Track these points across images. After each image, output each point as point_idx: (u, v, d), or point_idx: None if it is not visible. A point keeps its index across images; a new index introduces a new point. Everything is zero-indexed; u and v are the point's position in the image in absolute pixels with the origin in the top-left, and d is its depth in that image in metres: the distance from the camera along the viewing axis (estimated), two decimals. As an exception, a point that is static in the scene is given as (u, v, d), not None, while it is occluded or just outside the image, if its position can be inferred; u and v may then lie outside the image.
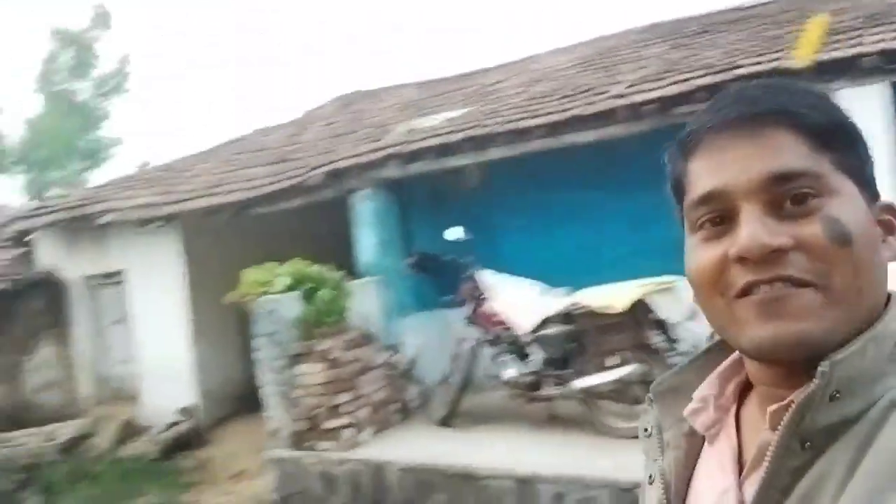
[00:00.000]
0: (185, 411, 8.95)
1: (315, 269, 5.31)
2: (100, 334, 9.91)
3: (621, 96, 5.05)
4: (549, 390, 4.90)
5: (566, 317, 4.84)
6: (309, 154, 7.52)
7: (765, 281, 0.63)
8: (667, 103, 4.78)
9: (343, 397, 5.11)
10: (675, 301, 4.47)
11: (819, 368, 0.61)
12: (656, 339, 4.53)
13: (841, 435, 0.61)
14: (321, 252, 6.28)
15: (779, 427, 0.63)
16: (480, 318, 5.28)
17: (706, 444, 0.76)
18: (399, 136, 6.55)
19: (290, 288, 5.10)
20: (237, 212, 7.00)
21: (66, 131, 17.45)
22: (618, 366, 4.63)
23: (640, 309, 4.57)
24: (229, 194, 7.08)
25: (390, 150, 6.04)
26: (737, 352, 0.75)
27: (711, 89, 4.42)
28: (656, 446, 0.79)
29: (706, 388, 0.76)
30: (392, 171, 6.04)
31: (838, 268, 0.62)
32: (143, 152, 34.36)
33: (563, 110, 5.38)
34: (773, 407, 0.66)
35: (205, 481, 7.74)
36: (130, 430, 8.98)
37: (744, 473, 0.70)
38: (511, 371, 5.05)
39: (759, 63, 4.64)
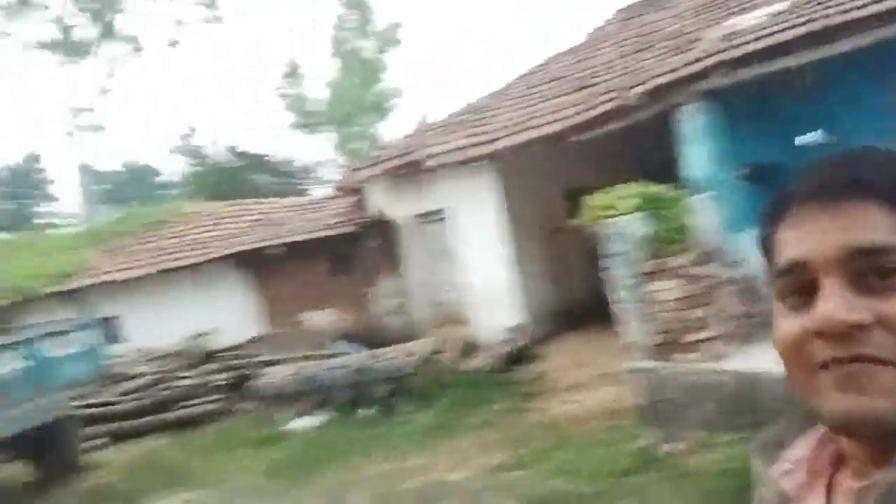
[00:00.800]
0: (513, 330, 9.88)
1: (657, 189, 5.47)
2: (428, 266, 11.22)
3: None
4: None
5: None
6: (612, 76, 7.57)
7: (844, 359, 0.62)
8: None
9: (700, 312, 5.29)
10: None
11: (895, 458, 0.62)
12: None
13: None
14: (633, 173, 6.39)
15: None
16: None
17: None
18: (716, 42, 6.31)
19: (638, 209, 5.34)
20: (554, 143, 7.36)
21: (358, 88, 19.44)
22: None
23: None
24: (544, 127, 7.46)
25: (715, 59, 5.87)
26: None
27: None
28: (756, 499, 0.80)
29: (799, 450, 0.76)
30: (718, 81, 5.89)
31: None
32: (420, 101, 36.98)
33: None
34: (857, 485, 0.66)
35: (545, 392, 8.52)
36: (468, 348, 10.18)
37: None
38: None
39: None
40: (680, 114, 6.18)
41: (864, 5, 5.21)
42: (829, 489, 0.73)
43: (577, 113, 7.12)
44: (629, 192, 5.40)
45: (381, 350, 9.54)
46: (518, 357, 9.55)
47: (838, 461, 0.74)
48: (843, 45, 5.19)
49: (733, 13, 7.19)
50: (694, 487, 4.81)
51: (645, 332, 5.50)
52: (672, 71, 6.21)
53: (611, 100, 6.72)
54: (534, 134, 7.50)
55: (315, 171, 22.06)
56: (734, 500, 4.36)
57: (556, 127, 7.23)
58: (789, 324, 0.67)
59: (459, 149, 8.46)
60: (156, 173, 32.43)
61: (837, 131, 5.56)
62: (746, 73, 5.72)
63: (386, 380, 8.82)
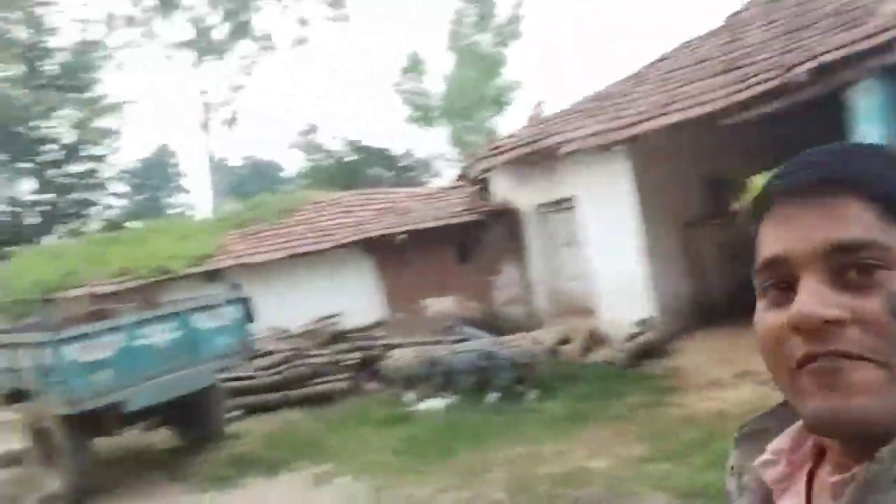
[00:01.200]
0: (643, 324, 9.59)
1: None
2: (552, 255, 11.08)
3: None
4: None
5: None
6: (767, 56, 7.17)
7: (821, 354, 0.62)
8: None
9: None
10: None
11: (877, 455, 0.61)
12: None
13: None
14: (782, 161, 5.99)
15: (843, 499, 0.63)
16: None
17: (775, 498, 0.75)
18: (893, 16, 5.84)
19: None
20: (702, 126, 7.06)
21: (476, 82, 19.55)
22: None
23: None
24: (691, 109, 7.17)
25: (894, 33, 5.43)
26: None
27: None
28: (735, 488, 0.80)
29: (782, 441, 0.76)
30: (898, 55, 5.45)
31: None
32: (538, 92, 36.90)
33: None
34: (836, 478, 0.66)
35: (681, 387, 8.21)
36: (594, 340, 9.98)
37: None
38: None
39: None
40: (853, 92, 5.76)
41: None
42: (810, 481, 0.74)
43: (729, 94, 6.79)
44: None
45: (507, 337, 9.51)
46: (648, 352, 9.26)
47: (820, 454, 0.74)
48: None
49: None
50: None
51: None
52: (844, 46, 5.80)
53: (771, 78, 6.36)
54: (679, 117, 7.22)
55: (431, 164, 22.38)
56: None
57: (707, 108, 6.93)
58: (770, 320, 0.67)
59: (596, 134, 8.27)
60: (278, 168, 33.90)
61: None
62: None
63: (511, 367, 8.78)
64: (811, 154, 0.70)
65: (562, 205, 10.35)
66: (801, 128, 6.85)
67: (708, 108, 6.91)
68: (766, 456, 0.76)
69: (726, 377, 8.07)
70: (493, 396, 8.53)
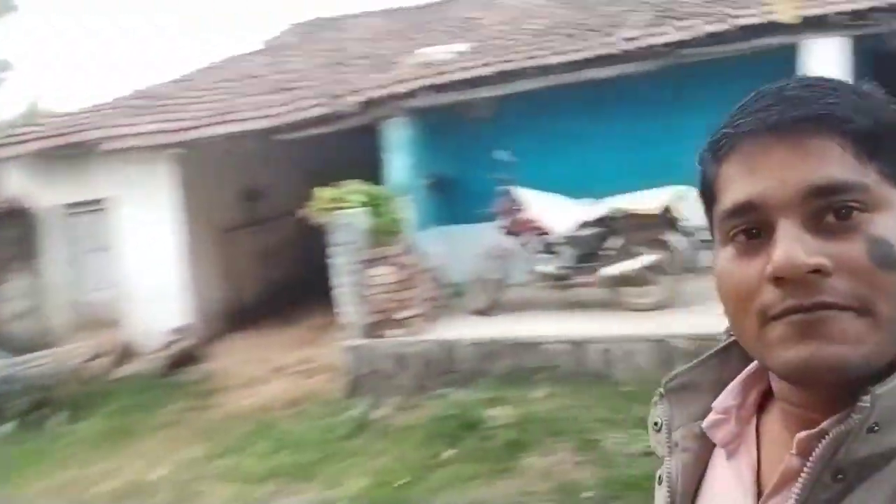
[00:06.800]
0: (180, 331, 9.42)
1: (377, 188, 6.15)
2: (77, 262, 9.98)
3: (633, 39, 6.18)
4: (581, 279, 6.13)
5: (600, 220, 6.05)
6: (315, 83, 8.07)
7: (805, 308, 0.58)
8: (674, 47, 5.97)
9: (408, 293, 6.08)
10: (688, 206, 5.75)
11: (860, 403, 0.57)
12: (673, 236, 5.83)
13: (876, 469, 0.58)
14: (318, 176, 6.97)
15: (810, 456, 0.59)
16: (517, 227, 6.37)
17: (723, 456, 0.72)
18: (417, 68, 7.32)
19: (363, 204, 5.92)
20: (259, 139, 7.52)
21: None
22: (639, 256, 5.92)
23: (666, 211, 5.83)
24: (249, 122, 7.56)
25: (420, 83, 6.83)
26: None
27: (717, 37, 5.70)
28: (664, 444, 0.75)
29: (728, 397, 0.72)
30: (423, 101, 6.85)
31: (882, 293, 0.58)
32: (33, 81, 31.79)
33: (578, 50, 6.43)
34: (803, 434, 0.61)
35: (223, 388, 8.39)
36: (128, 352, 9.36)
37: (764, 497, 0.66)
38: (545, 266, 6.22)
39: (752, 16, 5.90)
40: (388, 125, 6.99)
41: (543, 56, 6.71)
42: (757, 435, 0.71)
43: (285, 113, 7.40)
44: (356, 189, 5.96)
45: (24, 357, 8.22)
46: (186, 359, 9.15)
47: (761, 407, 0.72)
48: (524, 84, 6.62)
49: (417, 43, 8.35)
50: (406, 439, 5.51)
51: (361, 312, 6.07)
52: (382, 86, 6.99)
53: (322, 104, 7.19)
54: (238, 128, 7.51)
55: None
56: (445, 444, 5.19)
57: (264, 123, 7.39)
58: (739, 270, 0.62)
59: (146, 133, 7.94)
60: None
61: (519, 151, 6.96)
62: (447, 97, 6.81)
63: (29, 390, 7.73)
64: (782, 89, 0.63)
65: (93, 206, 9.45)
66: (345, 149, 7.91)
67: (265, 123, 7.38)
68: (715, 415, 0.72)
69: (263, 374, 8.53)
70: (7, 427, 7.35)
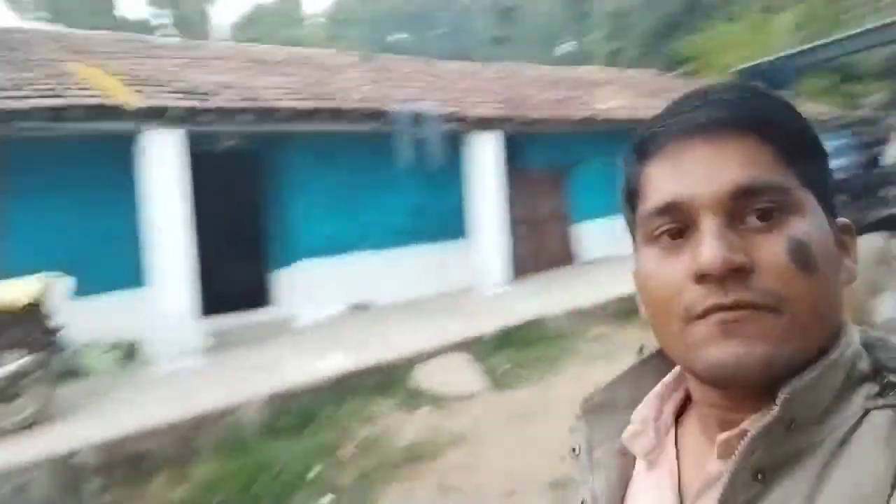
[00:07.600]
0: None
1: None
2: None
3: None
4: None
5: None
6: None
7: (727, 306, 0.58)
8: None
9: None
10: (59, 294, 4.95)
11: (780, 396, 0.57)
12: (45, 334, 4.88)
13: (795, 466, 0.57)
14: None
15: (732, 457, 0.58)
16: None
17: (643, 468, 0.71)
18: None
19: None
20: None
21: None
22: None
23: (33, 304, 4.82)
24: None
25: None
26: (675, 369, 0.72)
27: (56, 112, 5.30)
28: (586, 467, 0.73)
29: (644, 409, 0.71)
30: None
31: (801, 293, 0.58)
32: None
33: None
34: (724, 436, 0.61)
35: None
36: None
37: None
38: None
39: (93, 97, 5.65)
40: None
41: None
42: (677, 444, 0.70)
43: None
44: None
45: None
46: None
47: (679, 417, 0.72)
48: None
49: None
50: None
51: None
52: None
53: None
54: None
55: None
56: None
57: None
58: (664, 269, 0.62)
59: None
60: None
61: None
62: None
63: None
64: (708, 91, 0.64)
65: None
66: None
67: None
68: (633, 427, 0.71)
69: None
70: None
